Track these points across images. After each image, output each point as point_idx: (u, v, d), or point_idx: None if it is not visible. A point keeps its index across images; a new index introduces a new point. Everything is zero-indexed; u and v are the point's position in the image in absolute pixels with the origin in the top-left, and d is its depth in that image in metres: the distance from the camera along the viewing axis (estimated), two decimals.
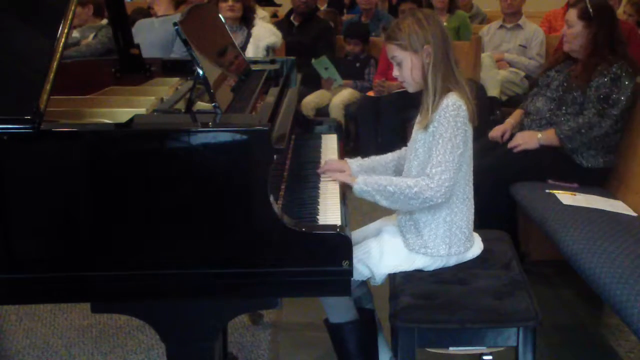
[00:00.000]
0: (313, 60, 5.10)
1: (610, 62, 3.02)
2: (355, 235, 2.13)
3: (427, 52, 1.99)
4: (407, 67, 2.02)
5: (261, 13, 5.43)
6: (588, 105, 3.04)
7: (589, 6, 3.07)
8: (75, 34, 4.70)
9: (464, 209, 2.05)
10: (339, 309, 2.15)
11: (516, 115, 3.40)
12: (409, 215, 2.08)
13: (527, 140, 3.15)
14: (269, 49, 4.57)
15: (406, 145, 2.23)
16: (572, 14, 3.14)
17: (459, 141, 1.93)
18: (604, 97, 3.01)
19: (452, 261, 2.10)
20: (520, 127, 3.32)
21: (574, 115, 3.08)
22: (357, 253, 1.99)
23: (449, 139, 1.93)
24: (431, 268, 2.10)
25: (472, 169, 2.08)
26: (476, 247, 2.15)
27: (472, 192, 2.09)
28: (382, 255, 2.08)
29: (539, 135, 3.13)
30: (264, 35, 4.56)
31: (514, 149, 3.18)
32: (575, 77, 3.11)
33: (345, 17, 7.02)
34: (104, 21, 5.04)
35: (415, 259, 2.08)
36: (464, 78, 2.06)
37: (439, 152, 1.93)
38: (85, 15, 5.05)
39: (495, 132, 3.37)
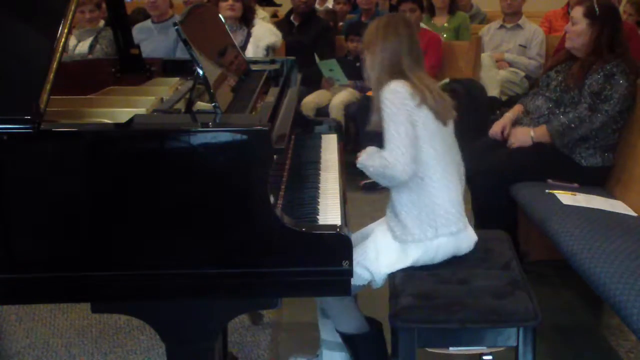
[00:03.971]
0: (319, 61, 5.10)
1: (607, 60, 3.02)
2: (354, 237, 2.14)
3: (378, 51, 2.12)
4: (365, 63, 2.18)
5: (261, 13, 5.43)
6: (581, 100, 3.05)
7: (595, 5, 3.08)
8: (72, 39, 4.65)
9: (444, 190, 2.08)
10: (344, 318, 2.19)
11: (515, 110, 3.38)
12: (392, 206, 2.11)
13: (521, 138, 3.16)
14: (269, 49, 4.57)
15: None
16: (578, 11, 3.13)
17: (402, 119, 2.01)
18: (595, 93, 3.01)
19: (445, 250, 2.10)
20: (519, 126, 3.32)
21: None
22: (355, 256, 1.99)
23: (390, 119, 2.02)
24: (427, 258, 2.09)
25: (451, 150, 2.14)
26: (469, 234, 2.16)
27: (456, 174, 2.13)
28: (378, 254, 2.10)
29: (532, 133, 3.13)
30: (264, 35, 4.55)
31: (509, 147, 3.19)
32: (571, 75, 3.11)
33: (346, 17, 7.02)
34: (102, 23, 5.02)
35: (407, 250, 2.09)
36: (426, 77, 2.14)
37: (387, 133, 2.03)
38: (100, 18, 4.99)
39: (495, 129, 3.36)
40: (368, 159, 2.07)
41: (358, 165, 2.11)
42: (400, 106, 2.02)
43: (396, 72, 2.09)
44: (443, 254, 2.12)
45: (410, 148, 2.00)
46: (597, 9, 3.07)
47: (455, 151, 2.19)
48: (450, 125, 2.18)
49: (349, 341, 2.21)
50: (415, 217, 2.08)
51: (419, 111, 2.05)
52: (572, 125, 3.01)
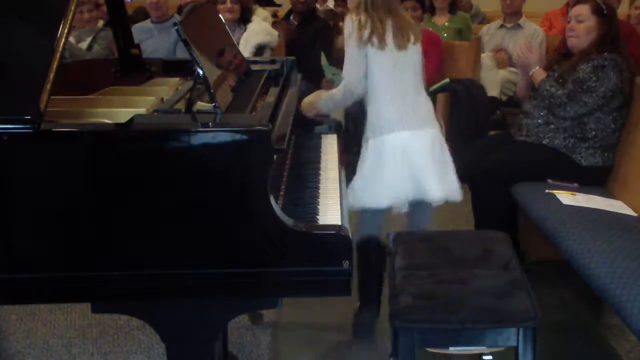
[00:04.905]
0: (327, 64, 5.14)
1: (602, 54, 3.02)
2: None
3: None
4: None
5: (262, 13, 5.43)
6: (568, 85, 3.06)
7: (600, 3, 3.08)
8: (71, 39, 4.65)
9: (389, 101, 2.58)
10: (368, 225, 2.72)
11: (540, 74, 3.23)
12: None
13: (526, 60, 3.23)
14: (262, 48, 4.56)
15: None
16: (585, 9, 3.12)
17: (353, 43, 2.54)
18: (579, 81, 3.01)
19: (396, 145, 2.56)
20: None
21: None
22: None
23: (347, 41, 2.56)
24: (376, 154, 2.58)
25: (405, 71, 2.61)
26: (420, 132, 2.59)
27: (402, 92, 2.60)
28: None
29: (535, 69, 3.19)
30: (255, 33, 4.55)
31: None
32: (566, 68, 3.12)
33: None
34: (100, 23, 5.03)
35: (364, 152, 2.63)
36: (392, 10, 2.59)
37: (345, 55, 2.58)
38: (98, 18, 5.00)
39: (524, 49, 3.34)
40: (327, 99, 2.67)
41: (324, 109, 2.70)
42: (352, 33, 2.54)
43: (362, 8, 2.56)
44: (394, 148, 2.56)
45: (359, 68, 2.56)
46: (603, 7, 3.07)
47: (413, 71, 2.65)
48: (411, 49, 2.62)
49: (360, 249, 2.67)
50: (368, 122, 2.63)
51: (368, 40, 2.54)
52: (552, 100, 3.06)
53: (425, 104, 2.67)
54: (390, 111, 2.58)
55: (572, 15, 3.23)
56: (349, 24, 2.54)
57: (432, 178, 2.57)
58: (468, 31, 5.63)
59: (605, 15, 3.07)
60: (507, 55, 5.16)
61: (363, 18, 2.52)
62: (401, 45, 2.58)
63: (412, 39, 2.61)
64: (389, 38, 2.55)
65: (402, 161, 2.56)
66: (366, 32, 2.52)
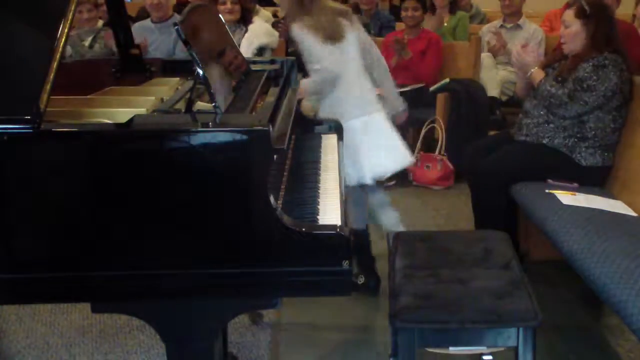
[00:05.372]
0: None
1: (602, 53, 3.02)
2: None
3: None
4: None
5: (265, 15, 5.43)
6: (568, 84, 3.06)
7: (584, 4, 3.09)
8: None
9: (350, 88, 2.91)
10: (356, 218, 3.04)
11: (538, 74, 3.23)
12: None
13: (523, 62, 3.24)
14: (263, 50, 4.57)
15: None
16: (569, 14, 3.15)
17: (316, 44, 2.80)
18: (579, 80, 3.01)
19: (358, 130, 2.87)
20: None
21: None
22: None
23: (308, 46, 2.82)
24: (348, 137, 2.69)
25: (346, 64, 2.90)
26: (376, 114, 2.95)
27: (366, 81, 2.97)
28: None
29: (533, 70, 3.20)
30: (258, 34, 4.55)
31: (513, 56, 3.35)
32: (566, 67, 3.12)
33: None
34: (100, 23, 5.03)
35: (349, 132, 2.76)
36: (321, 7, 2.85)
37: (311, 56, 2.83)
38: (98, 18, 5.03)
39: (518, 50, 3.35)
40: (308, 84, 2.81)
41: (307, 95, 2.81)
42: (310, 37, 2.79)
43: (293, 13, 2.86)
44: (353, 134, 2.81)
45: (329, 53, 2.81)
46: (587, 8, 3.08)
47: (356, 59, 2.95)
48: (350, 36, 2.90)
49: (356, 235, 2.92)
50: (335, 107, 2.89)
51: (326, 41, 2.81)
52: (552, 99, 3.06)
53: (370, 88, 3.00)
54: (346, 100, 2.89)
55: (561, 21, 3.26)
56: (300, 33, 2.79)
57: (380, 156, 2.91)
58: (463, 29, 5.63)
59: (589, 16, 3.07)
60: (502, 43, 5.13)
61: (312, 24, 2.78)
62: (341, 37, 2.86)
63: (346, 25, 2.88)
64: (335, 34, 2.82)
65: (358, 145, 2.86)
66: (321, 35, 2.79)
